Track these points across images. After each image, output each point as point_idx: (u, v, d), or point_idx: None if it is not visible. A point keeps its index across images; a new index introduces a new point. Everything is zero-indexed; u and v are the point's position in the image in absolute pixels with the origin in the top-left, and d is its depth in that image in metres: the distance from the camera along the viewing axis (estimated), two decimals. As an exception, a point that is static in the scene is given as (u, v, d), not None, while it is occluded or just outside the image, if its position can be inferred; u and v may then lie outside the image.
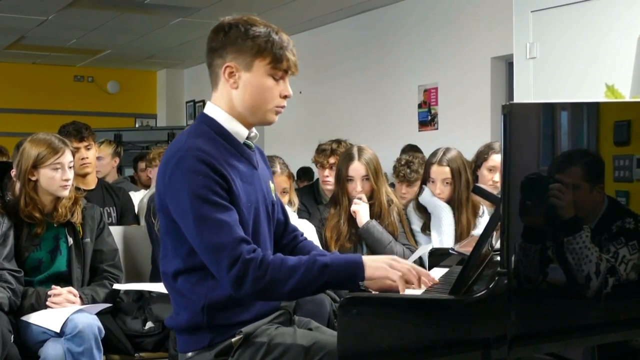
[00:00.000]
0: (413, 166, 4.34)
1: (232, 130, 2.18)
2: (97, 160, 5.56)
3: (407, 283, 2.04)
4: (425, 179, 3.90)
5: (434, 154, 3.90)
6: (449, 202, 3.83)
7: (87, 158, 4.32)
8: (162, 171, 2.11)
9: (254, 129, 2.24)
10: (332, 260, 2.03)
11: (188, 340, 2.19)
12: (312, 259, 2.03)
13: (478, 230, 3.73)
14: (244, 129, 2.20)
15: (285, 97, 2.18)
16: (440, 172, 3.83)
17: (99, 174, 5.57)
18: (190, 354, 2.19)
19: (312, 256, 2.05)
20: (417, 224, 3.89)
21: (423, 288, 2.24)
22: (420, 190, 3.91)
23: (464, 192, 3.82)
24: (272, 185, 2.34)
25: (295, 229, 2.47)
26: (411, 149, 6.20)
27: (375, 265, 2.02)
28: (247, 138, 2.22)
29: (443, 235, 3.77)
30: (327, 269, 2.00)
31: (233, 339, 2.13)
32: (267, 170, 2.36)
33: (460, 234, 3.80)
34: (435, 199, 3.83)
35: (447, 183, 3.83)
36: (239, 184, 2.12)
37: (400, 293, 2.01)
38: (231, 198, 2.09)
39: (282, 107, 2.18)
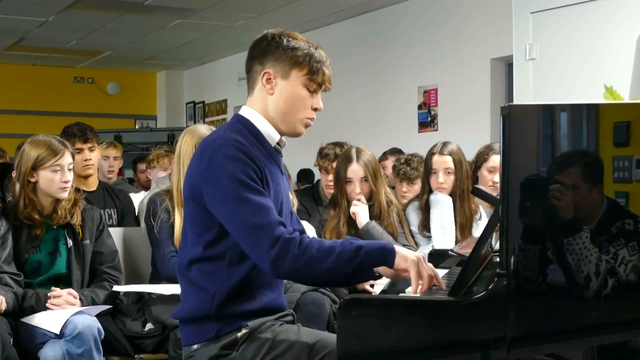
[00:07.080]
0: (413, 164, 4.35)
1: (264, 132, 2.27)
2: (114, 160, 5.66)
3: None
4: (427, 174, 3.89)
5: (434, 146, 3.92)
6: (452, 194, 3.84)
7: (90, 160, 4.30)
8: (198, 159, 2.19)
9: (283, 138, 2.32)
10: (366, 243, 2.13)
11: (194, 331, 2.22)
12: (348, 241, 2.11)
13: (477, 232, 3.73)
14: (275, 132, 2.28)
15: (315, 109, 2.28)
16: (442, 162, 3.84)
17: (112, 173, 5.66)
18: (195, 346, 2.21)
19: (346, 239, 2.14)
20: (414, 225, 3.89)
21: None
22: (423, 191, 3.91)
23: (465, 181, 3.83)
24: (291, 195, 2.44)
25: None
26: (392, 153, 6.17)
27: (404, 255, 2.12)
28: (277, 143, 2.30)
29: (445, 224, 3.76)
30: (362, 250, 2.08)
31: (239, 334, 2.17)
32: (287, 181, 2.44)
33: (464, 224, 3.80)
34: (432, 195, 3.83)
35: (449, 173, 3.83)
36: (269, 181, 2.20)
37: (412, 293, 2.06)
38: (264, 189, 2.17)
39: (312, 119, 2.29)
